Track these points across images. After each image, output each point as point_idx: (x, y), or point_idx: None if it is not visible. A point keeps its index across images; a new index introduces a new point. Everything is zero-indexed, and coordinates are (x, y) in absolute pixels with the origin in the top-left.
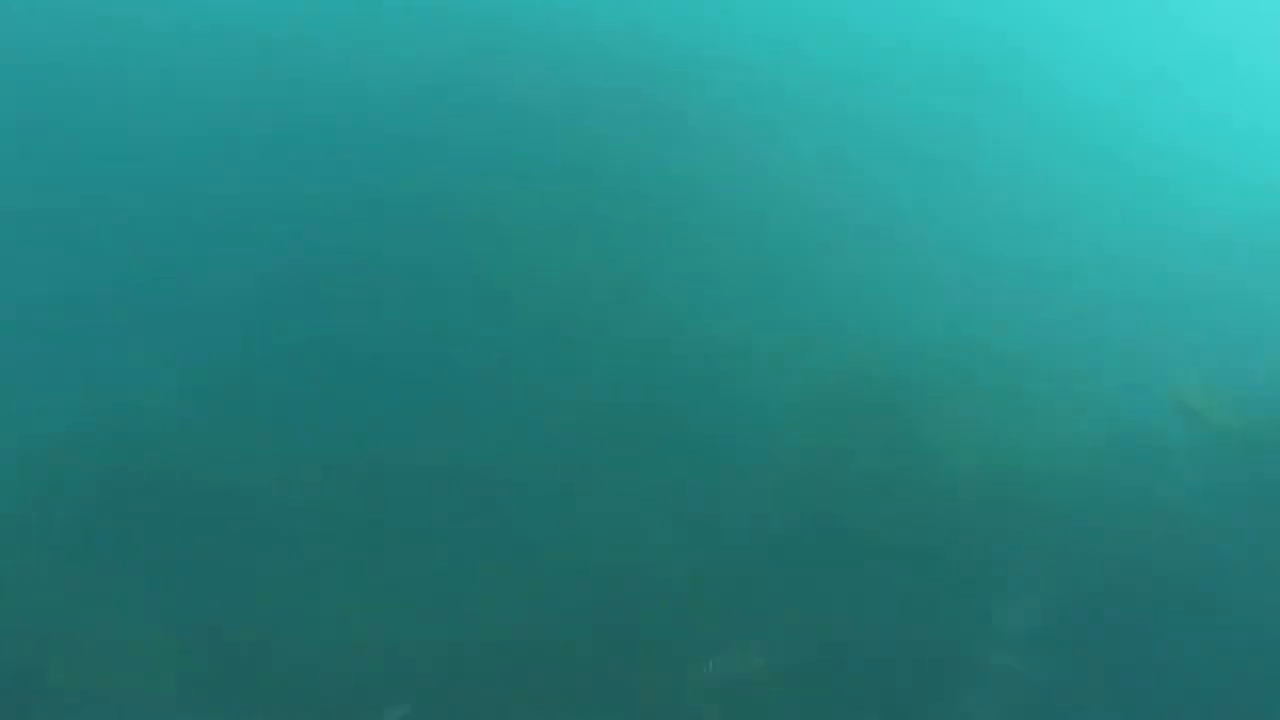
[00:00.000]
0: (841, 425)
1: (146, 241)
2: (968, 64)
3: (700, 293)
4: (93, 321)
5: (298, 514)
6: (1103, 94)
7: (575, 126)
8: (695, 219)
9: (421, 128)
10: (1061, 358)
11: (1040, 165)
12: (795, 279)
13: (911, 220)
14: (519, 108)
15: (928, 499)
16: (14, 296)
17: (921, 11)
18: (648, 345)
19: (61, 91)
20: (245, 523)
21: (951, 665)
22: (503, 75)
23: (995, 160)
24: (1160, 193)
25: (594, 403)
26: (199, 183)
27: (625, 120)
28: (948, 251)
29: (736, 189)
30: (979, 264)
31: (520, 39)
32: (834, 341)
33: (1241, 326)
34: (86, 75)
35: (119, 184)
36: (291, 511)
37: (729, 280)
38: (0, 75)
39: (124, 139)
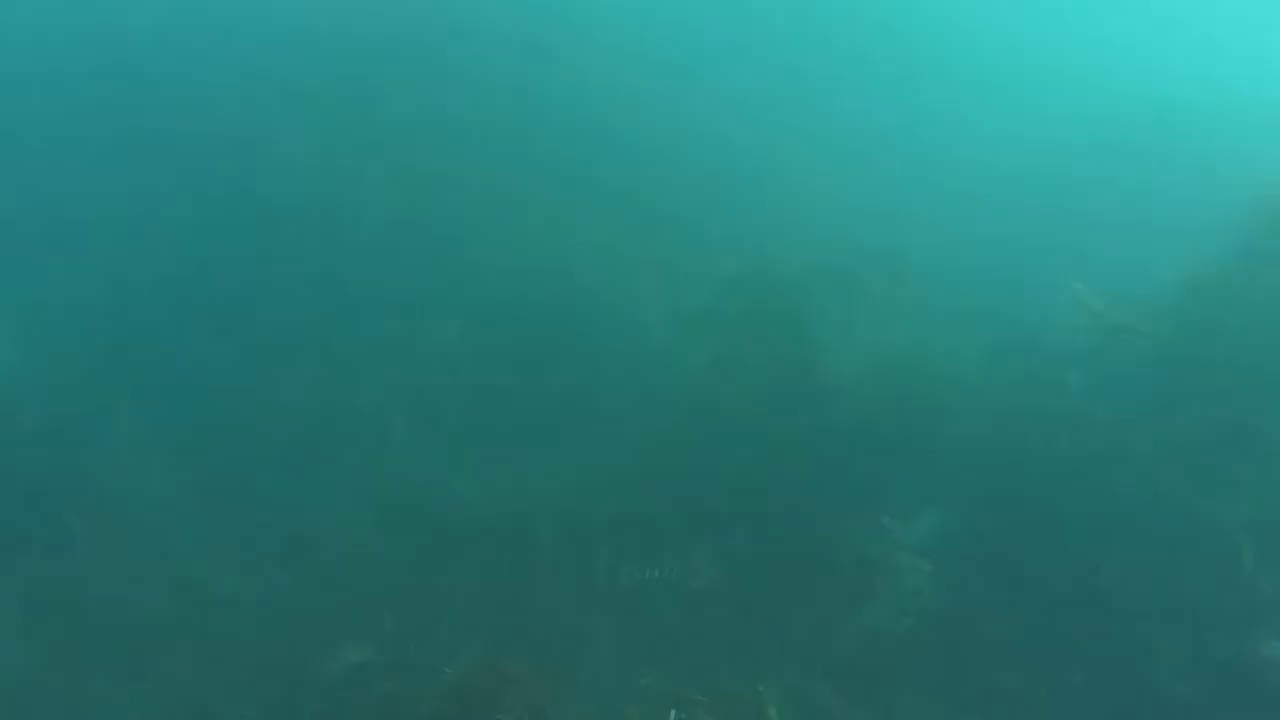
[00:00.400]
0: (737, 336)
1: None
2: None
3: (589, 213)
4: None
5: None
6: (986, 18)
7: (440, 53)
8: (586, 143)
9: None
10: (954, 263)
11: (927, 84)
12: (687, 196)
13: (803, 136)
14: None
15: (825, 403)
16: None
17: None
18: (543, 266)
19: None
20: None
21: (858, 568)
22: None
23: (886, 81)
24: (1041, 104)
25: (489, 331)
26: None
27: (508, 44)
28: (838, 164)
29: (627, 117)
30: (870, 176)
31: None
32: (726, 253)
33: (1130, 226)
34: None
35: None
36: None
37: (616, 200)
38: None
39: None
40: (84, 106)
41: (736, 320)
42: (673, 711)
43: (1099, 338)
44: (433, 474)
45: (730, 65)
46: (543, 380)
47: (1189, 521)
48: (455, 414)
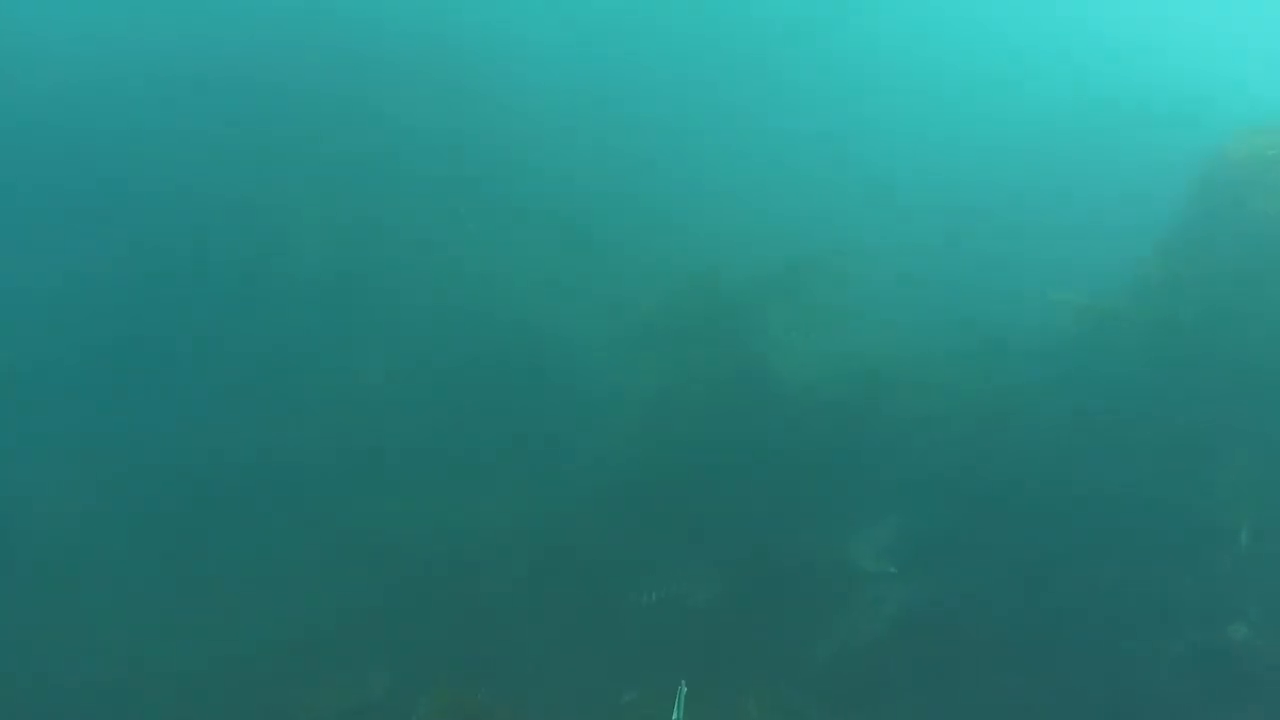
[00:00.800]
0: (683, 353)
1: None
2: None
3: (522, 247)
4: None
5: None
6: (914, 27)
7: (363, 96)
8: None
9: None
10: (896, 267)
11: (852, 93)
12: (619, 220)
13: (732, 153)
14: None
15: (777, 414)
16: None
17: None
18: (480, 302)
19: None
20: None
21: (829, 578)
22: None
23: (813, 92)
24: (972, 108)
25: (430, 370)
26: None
27: (432, 84)
28: (768, 178)
29: (551, 149)
30: (802, 186)
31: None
32: (664, 273)
33: (1071, 225)
34: None
35: None
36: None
37: (548, 231)
38: None
39: None
40: (12, 158)
41: (682, 338)
42: (682, 683)
43: (1051, 336)
44: (384, 515)
45: (652, 89)
46: (489, 415)
47: (1153, 514)
48: (403, 454)
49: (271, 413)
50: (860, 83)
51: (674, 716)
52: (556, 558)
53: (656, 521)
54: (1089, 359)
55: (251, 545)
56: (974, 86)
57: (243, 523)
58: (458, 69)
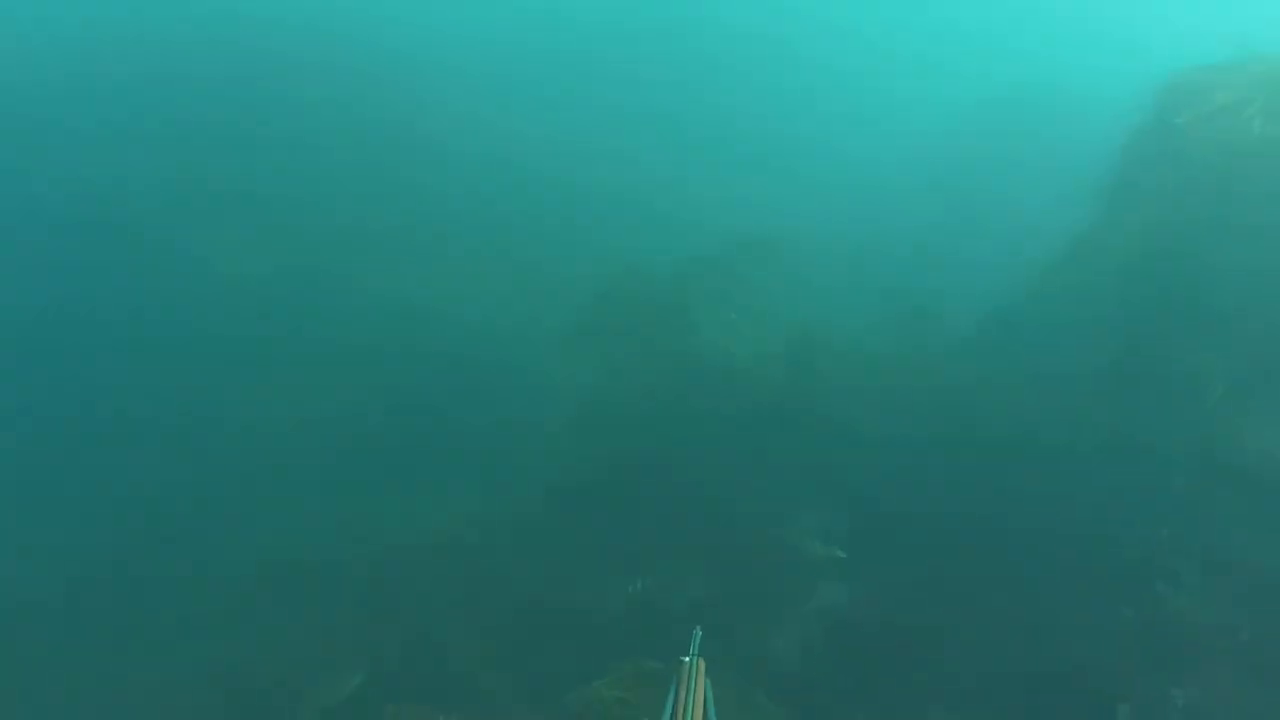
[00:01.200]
0: (621, 340)
1: None
2: None
3: (454, 248)
4: None
5: None
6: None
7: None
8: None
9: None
10: (828, 246)
11: (773, 80)
12: (547, 215)
13: (656, 142)
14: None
15: (722, 395)
16: None
17: None
18: (414, 306)
19: None
20: None
21: (778, 561)
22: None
23: (735, 81)
24: (896, 92)
25: (366, 376)
26: None
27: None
28: (696, 165)
29: (477, 149)
30: (730, 171)
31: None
32: (598, 262)
33: (994, 204)
34: None
35: None
36: None
37: (477, 232)
38: None
39: None
40: None
41: (619, 325)
42: (697, 628)
43: (982, 308)
44: (324, 521)
45: (578, 86)
46: (428, 418)
47: (1087, 481)
48: (342, 462)
49: (199, 427)
50: (792, 71)
51: (689, 656)
52: (491, 558)
53: (601, 513)
54: (1018, 332)
55: (180, 561)
56: (912, 66)
57: (171, 540)
58: (379, 69)
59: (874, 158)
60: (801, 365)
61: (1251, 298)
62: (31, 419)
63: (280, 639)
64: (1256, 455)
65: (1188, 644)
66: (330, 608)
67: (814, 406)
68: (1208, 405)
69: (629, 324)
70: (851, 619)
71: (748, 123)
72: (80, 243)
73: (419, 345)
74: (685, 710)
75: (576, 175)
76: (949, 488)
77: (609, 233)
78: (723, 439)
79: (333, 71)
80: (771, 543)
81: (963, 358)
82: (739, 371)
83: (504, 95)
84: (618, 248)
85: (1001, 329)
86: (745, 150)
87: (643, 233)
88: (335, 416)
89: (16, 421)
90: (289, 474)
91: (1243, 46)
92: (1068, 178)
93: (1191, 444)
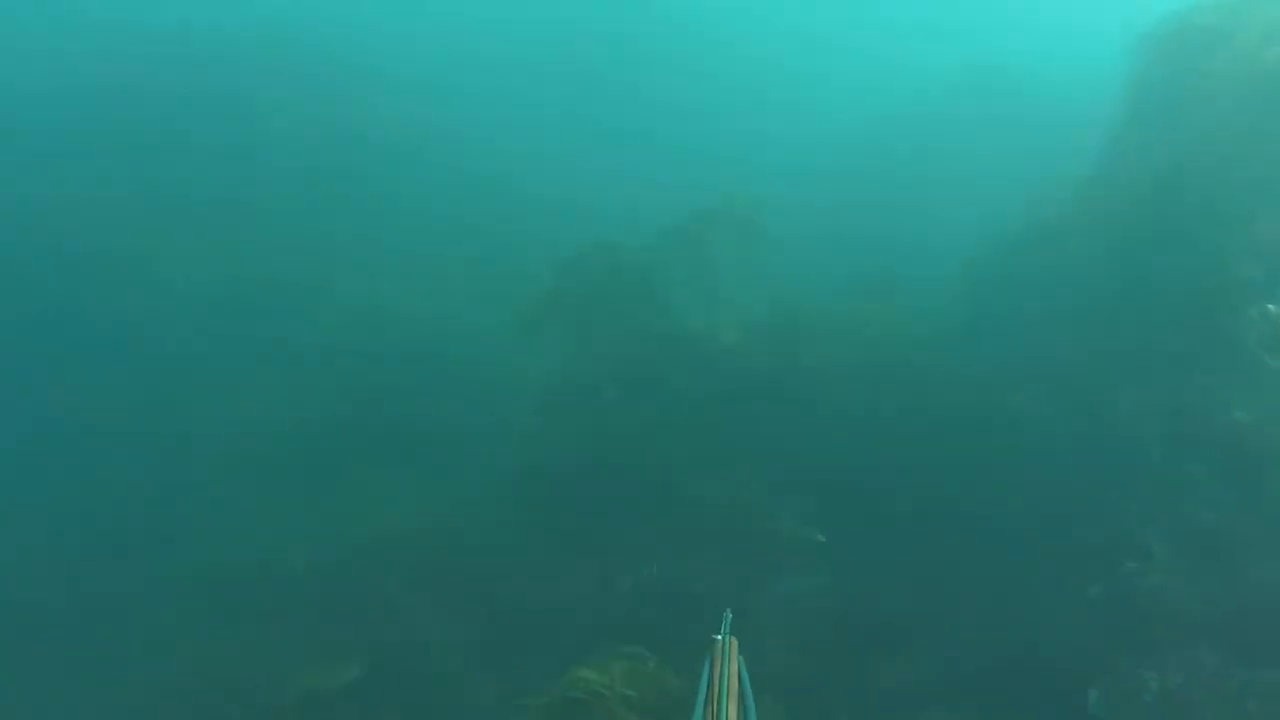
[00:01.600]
0: (586, 318)
1: None
2: None
3: (403, 241)
4: None
5: None
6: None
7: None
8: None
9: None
10: (800, 221)
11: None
12: (499, 199)
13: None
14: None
15: (693, 372)
16: None
17: None
18: (368, 304)
19: None
20: None
21: (751, 539)
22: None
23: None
24: (863, 75)
25: (325, 376)
26: None
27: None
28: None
29: (423, 145)
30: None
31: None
32: (558, 241)
33: (959, 183)
34: None
35: None
36: None
37: (423, 221)
38: None
39: None
40: None
41: (582, 304)
42: (728, 610)
43: (953, 285)
44: (289, 525)
45: (524, 85)
46: (394, 417)
47: (1057, 457)
48: (305, 464)
49: (160, 435)
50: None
51: (721, 634)
52: (466, 557)
53: (568, 500)
54: (987, 308)
55: (135, 564)
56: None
57: (120, 549)
58: (328, 77)
59: (851, 136)
60: (774, 345)
61: (1212, 279)
62: None
63: (249, 646)
64: (1226, 427)
65: (1159, 624)
66: (300, 612)
67: (787, 386)
68: (1178, 380)
69: (594, 303)
70: (824, 606)
71: (704, 113)
72: (28, 254)
73: (381, 345)
74: (720, 689)
75: (529, 173)
76: (916, 470)
77: (559, 225)
78: (693, 420)
79: (281, 78)
80: (748, 527)
81: (934, 335)
82: (708, 351)
83: (454, 98)
84: (571, 238)
85: (974, 306)
86: (706, 132)
87: (594, 224)
88: (297, 419)
89: None
90: (250, 478)
91: None
92: (1039, 159)
93: (1164, 417)
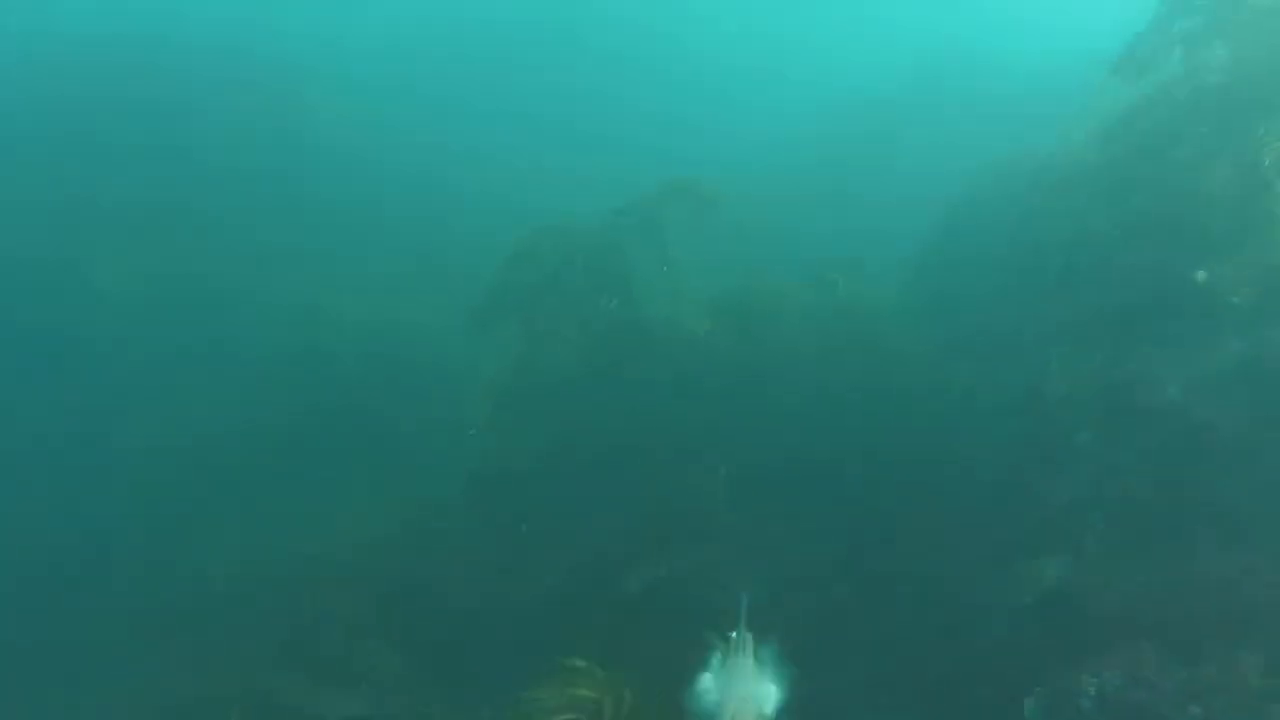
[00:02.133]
0: (540, 307)
1: None
2: None
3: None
4: None
5: None
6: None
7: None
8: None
9: None
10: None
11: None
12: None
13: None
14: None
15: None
16: None
17: None
18: (313, 305)
19: None
20: None
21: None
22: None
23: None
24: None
25: (271, 382)
26: None
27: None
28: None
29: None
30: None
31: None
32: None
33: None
34: None
35: None
36: None
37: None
38: None
39: None
40: None
41: (535, 293)
42: (744, 595)
43: (911, 262)
44: (216, 539)
45: (460, 82)
46: (341, 422)
47: (993, 438)
48: (248, 475)
49: (94, 448)
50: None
51: (738, 624)
52: (419, 564)
53: (525, 501)
54: (948, 284)
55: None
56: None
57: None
58: (255, 78)
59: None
60: (733, 328)
61: (1146, 252)
62: None
63: (184, 663)
64: (1164, 401)
65: (1096, 624)
66: (242, 626)
67: (747, 369)
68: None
69: (548, 292)
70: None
71: (654, 104)
72: None
73: (325, 349)
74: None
75: (471, 169)
76: (853, 450)
77: (507, 221)
78: (655, 408)
79: (214, 81)
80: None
81: (887, 312)
82: (664, 333)
83: (391, 96)
84: (520, 231)
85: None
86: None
87: (543, 216)
88: (238, 428)
89: None
90: (191, 491)
91: None
92: (995, 144)
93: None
